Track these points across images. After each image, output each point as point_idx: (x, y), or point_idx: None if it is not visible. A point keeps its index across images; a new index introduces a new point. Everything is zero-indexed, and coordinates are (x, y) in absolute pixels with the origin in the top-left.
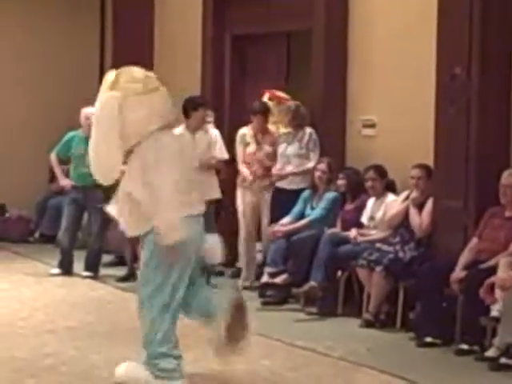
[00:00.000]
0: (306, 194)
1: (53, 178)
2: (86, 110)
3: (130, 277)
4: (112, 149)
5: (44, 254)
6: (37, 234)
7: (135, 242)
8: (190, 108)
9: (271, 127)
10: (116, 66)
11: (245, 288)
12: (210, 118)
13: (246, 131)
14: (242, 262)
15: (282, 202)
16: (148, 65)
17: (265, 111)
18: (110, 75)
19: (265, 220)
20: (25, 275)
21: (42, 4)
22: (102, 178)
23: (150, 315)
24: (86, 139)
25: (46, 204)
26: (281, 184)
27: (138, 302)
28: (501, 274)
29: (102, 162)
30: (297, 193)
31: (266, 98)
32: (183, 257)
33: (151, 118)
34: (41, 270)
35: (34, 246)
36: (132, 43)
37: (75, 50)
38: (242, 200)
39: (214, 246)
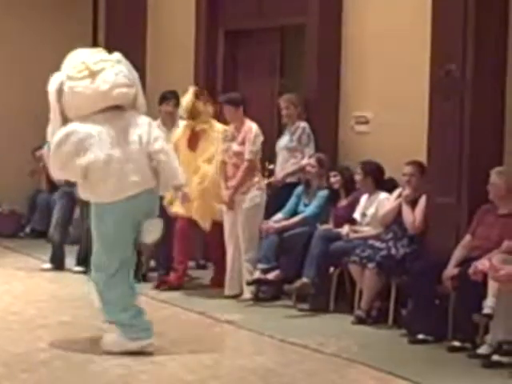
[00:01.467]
0: (298, 189)
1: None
2: None
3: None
4: (57, 122)
5: (35, 248)
6: (28, 229)
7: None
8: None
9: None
10: None
11: (227, 297)
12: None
13: (228, 128)
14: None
15: (274, 196)
16: (141, 62)
17: (233, 101)
18: (66, 58)
19: (238, 225)
20: (16, 270)
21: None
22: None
23: None
24: None
25: (36, 199)
26: (272, 178)
27: None
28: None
29: (50, 132)
30: (289, 186)
31: (191, 94)
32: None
33: (86, 102)
34: (32, 265)
35: (25, 241)
36: (124, 38)
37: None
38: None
39: (151, 226)
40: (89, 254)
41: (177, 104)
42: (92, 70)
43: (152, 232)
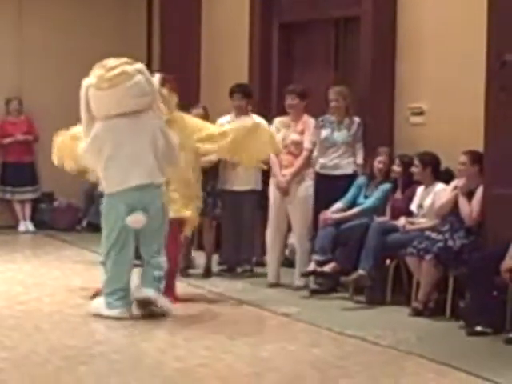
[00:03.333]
0: (361, 180)
1: None
2: None
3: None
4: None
5: (92, 242)
6: (84, 223)
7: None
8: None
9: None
10: (163, 56)
11: (272, 285)
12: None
13: (282, 119)
14: (268, 256)
15: (328, 188)
16: (195, 54)
17: (300, 93)
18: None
19: (293, 216)
20: (74, 263)
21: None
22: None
23: None
24: None
25: (93, 192)
26: (325, 170)
27: None
28: None
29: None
30: (342, 178)
31: (157, 81)
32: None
33: (101, 108)
34: (89, 259)
35: (81, 235)
36: (179, 33)
37: (123, 41)
38: (273, 190)
39: (138, 217)
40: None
41: (244, 97)
42: (112, 83)
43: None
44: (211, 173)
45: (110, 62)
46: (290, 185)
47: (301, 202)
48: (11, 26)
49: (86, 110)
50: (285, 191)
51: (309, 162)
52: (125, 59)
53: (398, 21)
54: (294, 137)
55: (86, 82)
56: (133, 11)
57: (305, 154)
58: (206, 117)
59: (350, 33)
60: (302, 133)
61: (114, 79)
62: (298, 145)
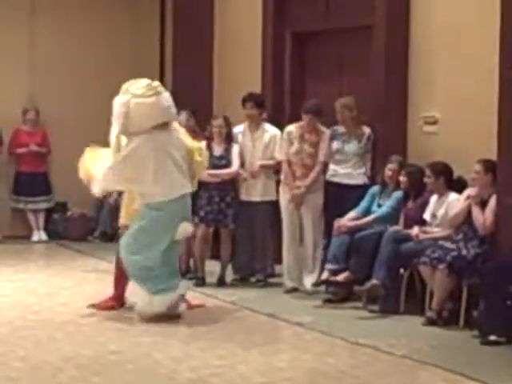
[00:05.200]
0: (374, 189)
1: None
2: None
3: (185, 274)
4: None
5: (105, 251)
6: (97, 232)
7: (190, 237)
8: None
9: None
10: (176, 65)
11: (288, 291)
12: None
13: (292, 129)
14: (283, 263)
15: (340, 197)
16: (208, 63)
17: (317, 112)
18: (126, 84)
19: (306, 223)
20: (87, 273)
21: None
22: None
23: None
24: None
25: (105, 201)
26: (337, 179)
27: None
28: None
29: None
30: (354, 188)
31: None
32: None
33: (148, 115)
34: (102, 268)
35: (94, 244)
36: (192, 42)
37: (136, 53)
38: (284, 198)
39: (186, 227)
40: None
41: (255, 106)
42: (157, 91)
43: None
44: (231, 184)
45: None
46: (304, 195)
47: (313, 210)
48: (25, 36)
49: (124, 124)
50: (299, 203)
51: (322, 173)
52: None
53: (411, 30)
54: (310, 150)
55: (124, 98)
56: (146, 22)
57: (319, 166)
58: (228, 126)
59: (362, 42)
60: (316, 145)
61: (159, 88)
62: (312, 157)
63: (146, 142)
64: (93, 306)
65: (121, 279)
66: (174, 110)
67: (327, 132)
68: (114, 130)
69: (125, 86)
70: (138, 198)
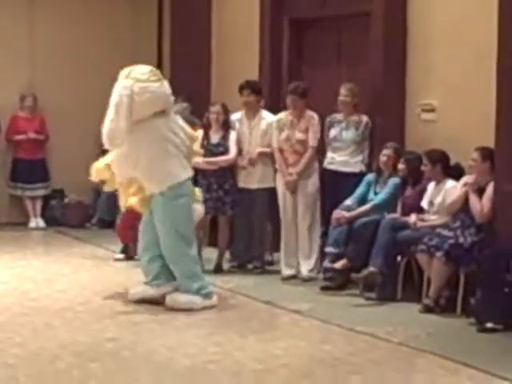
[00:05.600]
0: (370, 177)
1: None
2: None
3: None
4: (121, 121)
5: (103, 239)
6: (95, 219)
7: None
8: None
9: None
10: (174, 53)
11: (285, 279)
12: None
13: (282, 116)
14: (281, 250)
15: (337, 185)
16: (206, 51)
17: (301, 93)
18: (126, 69)
19: (300, 209)
20: (84, 260)
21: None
22: (108, 142)
23: None
24: None
25: (102, 189)
26: (334, 166)
27: None
28: None
29: (110, 129)
30: (350, 176)
31: None
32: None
33: (153, 101)
34: (100, 255)
35: (92, 231)
36: (190, 30)
37: (134, 40)
38: (280, 186)
39: (196, 209)
40: None
41: (252, 93)
42: (160, 77)
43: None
44: (229, 172)
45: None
46: (297, 182)
47: (308, 197)
48: (25, 24)
49: (128, 111)
50: (293, 189)
51: (314, 159)
52: None
53: (409, 17)
54: (299, 136)
55: (127, 82)
56: (144, 11)
57: (310, 152)
58: (226, 113)
59: (360, 29)
60: (306, 130)
61: (160, 75)
62: (303, 143)
63: (148, 128)
64: None
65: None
66: (172, 97)
67: (316, 117)
68: (114, 116)
69: (125, 71)
70: (148, 187)
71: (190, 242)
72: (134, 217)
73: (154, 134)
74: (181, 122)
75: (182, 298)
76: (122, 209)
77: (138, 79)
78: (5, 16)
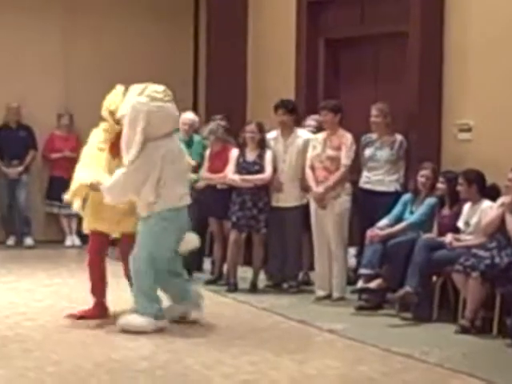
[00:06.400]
0: (406, 197)
1: None
2: (184, 116)
3: (218, 279)
4: (137, 135)
5: None
6: None
7: (225, 243)
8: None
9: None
10: (210, 72)
11: (319, 298)
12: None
13: (318, 135)
14: (315, 270)
15: (372, 204)
16: (242, 70)
17: (332, 108)
18: (138, 86)
19: (329, 229)
20: (119, 278)
21: (141, 10)
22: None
23: None
24: (184, 143)
25: None
26: (369, 186)
27: None
28: None
29: (126, 142)
30: (386, 195)
31: (120, 94)
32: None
33: (166, 121)
34: None
35: None
36: (226, 48)
37: (169, 60)
38: (311, 206)
39: (189, 237)
40: (192, 262)
41: (287, 112)
42: (172, 97)
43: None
44: (264, 190)
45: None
46: (326, 198)
47: (336, 218)
48: (61, 42)
49: (143, 128)
50: (320, 202)
51: (345, 178)
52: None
53: (445, 37)
54: (330, 152)
55: (140, 100)
56: (180, 30)
57: (342, 170)
58: (261, 132)
59: (396, 49)
60: (337, 148)
61: (172, 96)
62: (334, 160)
63: (157, 149)
64: (72, 315)
65: (98, 284)
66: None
67: (350, 136)
68: (130, 131)
69: (138, 88)
70: (142, 208)
71: (159, 265)
72: (101, 240)
73: (166, 154)
74: (182, 146)
75: (136, 320)
76: (86, 231)
77: (153, 97)
78: (40, 33)
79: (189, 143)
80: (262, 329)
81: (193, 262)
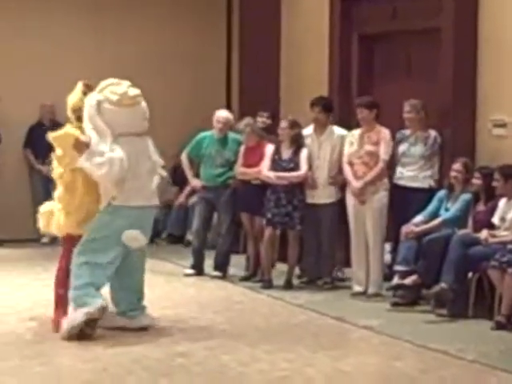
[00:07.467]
0: (441, 193)
1: (174, 181)
2: (218, 113)
3: (252, 276)
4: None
5: (172, 254)
6: (164, 234)
7: (258, 239)
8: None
9: None
10: (243, 68)
11: (355, 294)
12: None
13: (354, 132)
14: (353, 265)
15: (406, 200)
16: (275, 67)
17: (367, 105)
18: (105, 81)
19: (368, 224)
20: (154, 275)
21: (173, 7)
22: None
23: None
24: (218, 141)
25: (172, 204)
26: (403, 182)
27: None
28: None
29: None
30: (419, 191)
31: (79, 91)
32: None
33: (118, 125)
34: (170, 270)
35: (161, 246)
36: (259, 45)
37: (202, 56)
38: (349, 200)
39: (135, 234)
40: (226, 259)
41: (323, 110)
42: (135, 99)
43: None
44: (299, 187)
45: (123, 81)
46: (365, 193)
47: (374, 213)
48: (93, 41)
49: (101, 124)
50: (360, 197)
51: (384, 173)
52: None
53: (480, 32)
54: (369, 148)
55: (94, 98)
56: (212, 26)
57: (381, 165)
58: (296, 130)
59: (430, 44)
60: (376, 143)
61: (137, 98)
62: (373, 155)
63: (131, 145)
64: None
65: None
66: (146, 122)
67: (387, 131)
68: (97, 128)
69: (101, 85)
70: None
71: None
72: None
73: (142, 149)
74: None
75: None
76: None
77: (108, 100)
78: (73, 33)
79: (224, 141)
80: (297, 325)
81: (226, 260)
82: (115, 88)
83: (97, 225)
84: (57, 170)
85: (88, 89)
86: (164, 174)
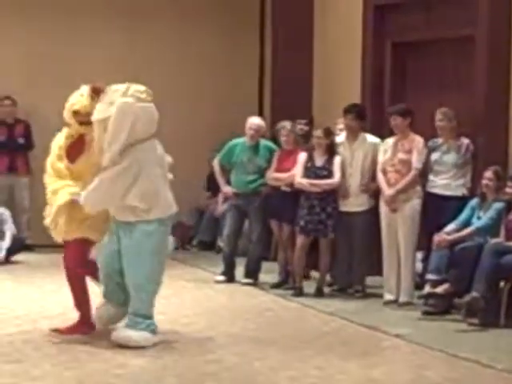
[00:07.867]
0: (474, 202)
1: (209, 188)
2: (250, 120)
3: (284, 283)
4: (121, 138)
5: (203, 260)
6: (195, 241)
7: (288, 247)
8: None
9: None
10: (276, 75)
11: (387, 302)
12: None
13: (388, 140)
14: (384, 273)
15: (438, 208)
16: (308, 74)
17: (401, 112)
18: (118, 86)
19: (400, 232)
20: (185, 281)
21: (202, 20)
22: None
23: None
24: (249, 148)
25: (204, 210)
26: (435, 190)
27: None
28: None
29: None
30: (452, 199)
31: (87, 94)
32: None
33: (152, 121)
34: (201, 277)
35: (192, 253)
36: (292, 51)
37: (235, 62)
38: (382, 208)
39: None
40: (257, 266)
41: (356, 118)
42: (152, 98)
43: None
44: (332, 195)
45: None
46: (397, 201)
47: (406, 221)
48: (126, 45)
49: (129, 129)
50: (391, 205)
51: (416, 181)
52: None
53: None
54: (402, 156)
55: (125, 100)
56: (245, 36)
57: (413, 172)
58: (329, 137)
59: (464, 53)
60: (409, 151)
61: (152, 95)
62: (406, 163)
63: (145, 151)
64: (57, 330)
65: (84, 299)
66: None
67: (421, 140)
68: (114, 135)
69: (120, 89)
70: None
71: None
72: (83, 249)
73: (155, 156)
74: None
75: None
76: (59, 240)
77: (138, 98)
78: (106, 36)
79: (255, 148)
80: (328, 333)
81: (257, 267)
82: (136, 87)
83: (154, 246)
84: None
85: (96, 92)
86: (171, 176)
